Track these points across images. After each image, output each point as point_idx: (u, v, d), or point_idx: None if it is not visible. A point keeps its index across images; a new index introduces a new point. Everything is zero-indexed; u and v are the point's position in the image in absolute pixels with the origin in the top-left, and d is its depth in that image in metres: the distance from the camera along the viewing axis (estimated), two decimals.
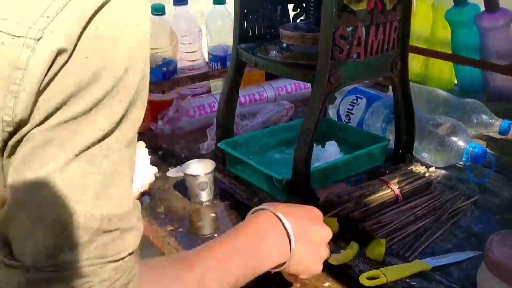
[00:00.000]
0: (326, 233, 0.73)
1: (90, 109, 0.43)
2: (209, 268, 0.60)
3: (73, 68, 0.41)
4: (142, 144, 1.00)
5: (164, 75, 1.36)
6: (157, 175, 1.05)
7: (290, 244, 0.67)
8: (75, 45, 0.41)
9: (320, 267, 0.72)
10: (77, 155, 0.43)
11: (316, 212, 0.74)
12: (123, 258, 0.46)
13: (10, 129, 0.41)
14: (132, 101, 0.45)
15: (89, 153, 0.43)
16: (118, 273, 0.46)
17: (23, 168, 0.42)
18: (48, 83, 0.41)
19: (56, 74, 0.41)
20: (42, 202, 0.42)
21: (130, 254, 0.47)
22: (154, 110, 1.36)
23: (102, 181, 0.44)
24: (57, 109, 0.41)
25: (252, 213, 0.70)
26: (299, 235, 0.68)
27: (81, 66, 0.41)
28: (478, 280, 0.70)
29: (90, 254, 0.44)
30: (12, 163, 0.42)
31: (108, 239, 0.45)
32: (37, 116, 0.41)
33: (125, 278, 0.47)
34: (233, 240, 0.65)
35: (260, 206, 0.70)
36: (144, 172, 0.99)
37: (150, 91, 1.33)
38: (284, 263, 0.68)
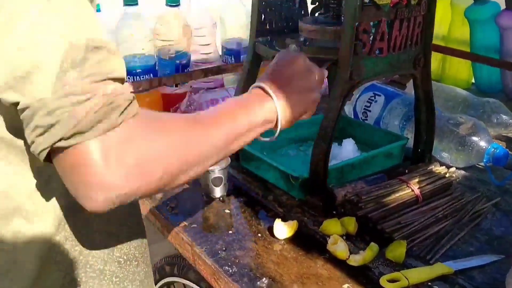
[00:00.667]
0: (314, 80, 0.75)
1: None
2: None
3: None
4: None
5: (177, 67, 1.33)
6: None
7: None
8: None
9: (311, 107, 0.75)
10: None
11: (300, 64, 0.75)
12: (119, 79, 0.53)
13: None
14: None
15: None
16: (118, 91, 0.52)
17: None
18: None
19: None
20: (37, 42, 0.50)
21: (123, 79, 0.54)
22: (167, 103, 1.33)
23: (74, 15, 0.52)
24: None
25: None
26: (282, 95, 0.70)
27: None
28: (507, 286, 0.67)
29: (88, 71, 0.50)
30: None
31: (99, 57, 0.51)
32: None
33: (127, 98, 0.53)
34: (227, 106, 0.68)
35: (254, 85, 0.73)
36: None
37: (163, 84, 1.33)
38: (276, 122, 0.70)
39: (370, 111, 1.21)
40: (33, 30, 0.50)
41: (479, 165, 1.09)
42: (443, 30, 1.60)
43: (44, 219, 0.62)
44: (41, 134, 0.50)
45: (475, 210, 0.94)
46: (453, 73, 1.61)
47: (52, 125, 0.49)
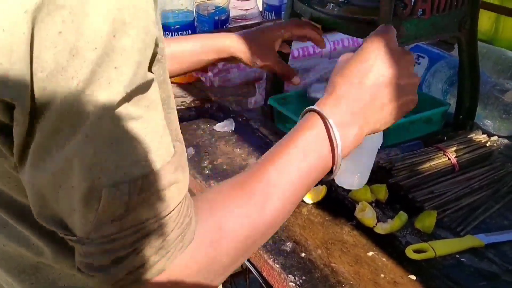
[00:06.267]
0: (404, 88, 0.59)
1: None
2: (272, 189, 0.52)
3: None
4: None
5: (215, 24, 1.32)
6: None
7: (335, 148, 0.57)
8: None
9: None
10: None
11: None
12: (169, 213, 0.43)
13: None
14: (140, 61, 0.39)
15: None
16: (169, 227, 0.43)
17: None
18: None
19: None
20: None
21: (177, 205, 0.43)
22: None
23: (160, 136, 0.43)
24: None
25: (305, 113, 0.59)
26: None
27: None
28: None
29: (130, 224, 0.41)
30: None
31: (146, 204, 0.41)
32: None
33: (179, 229, 0.43)
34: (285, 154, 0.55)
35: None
36: None
37: None
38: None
39: None
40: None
41: None
42: None
43: None
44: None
45: None
46: (507, 35, 1.51)
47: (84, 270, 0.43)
